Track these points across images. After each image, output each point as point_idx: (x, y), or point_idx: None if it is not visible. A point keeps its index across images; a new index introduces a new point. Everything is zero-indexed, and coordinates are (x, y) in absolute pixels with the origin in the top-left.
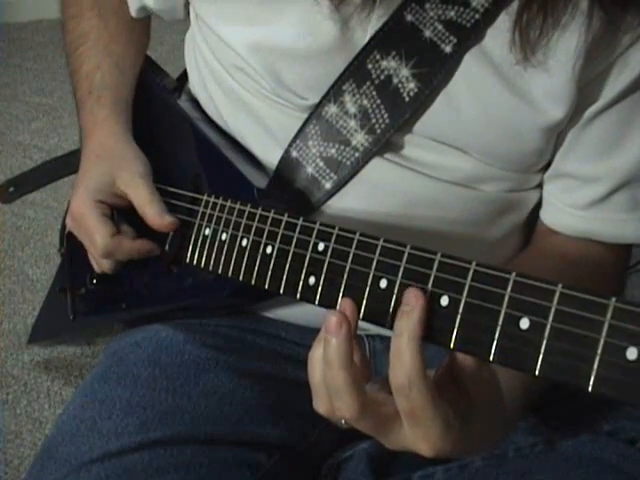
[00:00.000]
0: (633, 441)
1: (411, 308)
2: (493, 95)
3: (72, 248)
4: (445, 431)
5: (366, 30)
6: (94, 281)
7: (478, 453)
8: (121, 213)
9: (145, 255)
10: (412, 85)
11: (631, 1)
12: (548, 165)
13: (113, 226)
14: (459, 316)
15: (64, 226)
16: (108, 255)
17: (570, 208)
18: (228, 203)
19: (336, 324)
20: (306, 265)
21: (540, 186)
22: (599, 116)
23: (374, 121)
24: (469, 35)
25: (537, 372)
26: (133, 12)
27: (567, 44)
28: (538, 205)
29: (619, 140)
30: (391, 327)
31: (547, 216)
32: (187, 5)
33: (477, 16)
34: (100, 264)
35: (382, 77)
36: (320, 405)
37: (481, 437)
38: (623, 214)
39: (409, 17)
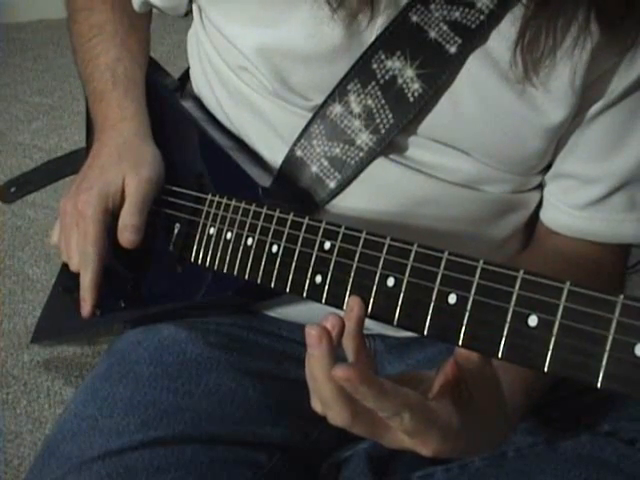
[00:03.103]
0: (633, 441)
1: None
2: (496, 96)
3: None
4: (444, 438)
5: (372, 30)
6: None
7: (478, 453)
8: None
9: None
10: (417, 85)
11: (628, 15)
12: (549, 166)
13: (105, 250)
14: (467, 314)
15: None
16: (82, 266)
17: (569, 208)
18: (233, 202)
19: (316, 338)
20: (312, 264)
21: (541, 187)
22: (599, 117)
23: (378, 121)
24: (474, 36)
25: (546, 369)
26: (136, 6)
27: (567, 61)
28: (540, 205)
29: (619, 141)
30: (398, 325)
31: (546, 216)
32: (190, 2)
33: (482, 17)
34: (72, 260)
35: (387, 77)
36: (317, 407)
37: (482, 437)
38: (621, 214)
39: (414, 18)
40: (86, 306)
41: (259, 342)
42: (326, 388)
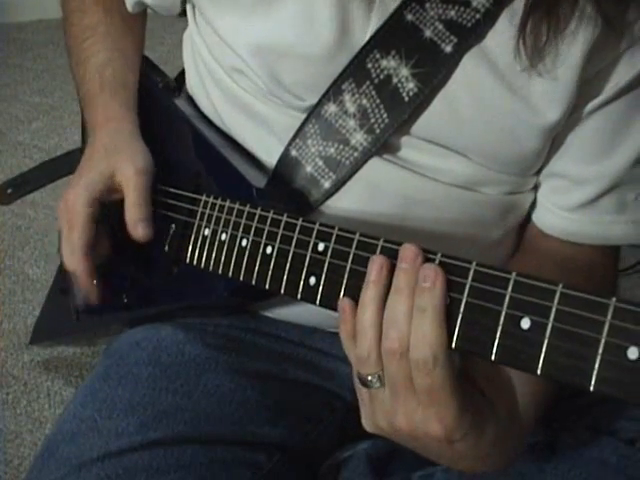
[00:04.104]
0: (633, 441)
1: (432, 283)
2: (492, 96)
3: None
4: (459, 414)
5: (366, 29)
6: (94, 282)
7: (488, 463)
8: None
9: (84, 295)
10: (412, 85)
11: (627, 8)
12: (544, 166)
13: (92, 238)
14: (460, 316)
15: None
16: (70, 257)
17: (559, 210)
18: (227, 203)
19: (414, 254)
20: (306, 265)
21: (536, 188)
22: (593, 115)
23: (373, 121)
24: (469, 35)
25: (539, 372)
26: (129, 6)
27: (577, 50)
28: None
29: (611, 142)
30: None
31: (538, 218)
32: (184, 1)
33: (478, 16)
34: (65, 255)
35: (382, 76)
36: (362, 345)
37: (496, 441)
38: (610, 216)
39: (409, 16)
40: (92, 297)
41: (257, 343)
42: (406, 302)
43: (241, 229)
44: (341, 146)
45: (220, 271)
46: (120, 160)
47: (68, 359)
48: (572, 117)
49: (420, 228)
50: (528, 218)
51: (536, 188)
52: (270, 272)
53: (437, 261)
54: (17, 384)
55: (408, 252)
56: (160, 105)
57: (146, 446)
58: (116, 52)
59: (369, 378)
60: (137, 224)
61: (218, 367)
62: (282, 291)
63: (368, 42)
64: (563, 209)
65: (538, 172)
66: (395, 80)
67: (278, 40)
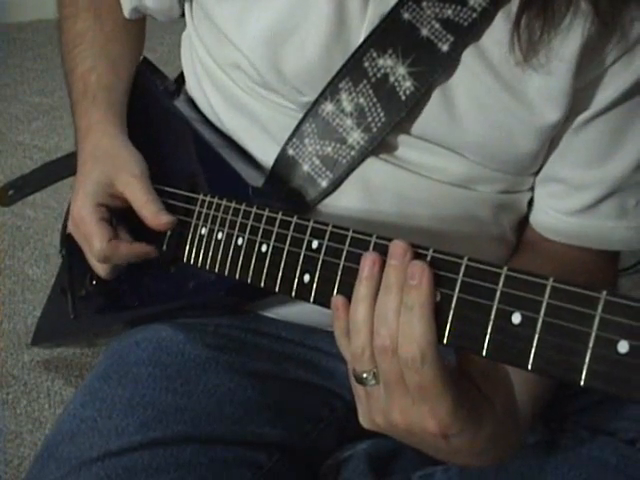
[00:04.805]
0: (633, 441)
1: (419, 281)
2: (489, 95)
3: (72, 249)
4: (453, 409)
5: (363, 28)
6: (93, 282)
7: (484, 459)
8: (120, 217)
9: (142, 258)
10: (408, 84)
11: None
12: (541, 168)
13: (111, 230)
14: (452, 312)
15: (65, 227)
16: (105, 259)
17: (557, 213)
18: (223, 202)
19: (403, 250)
20: (300, 263)
21: (534, 190)
22: (590, 123)
23: (370, 119)
24: (466, 34)
25: (530, 367)
26: (126, 13)
27: (570, 45)
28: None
29: (609, 149)
30: None
31: (534, 219)
32: (182, 4)
33: (474, 15)
34: (97, 269)
35: (378, 75)
36: (356, 342)
37: (493, 436)
38: (610, 221)
39: (406, 15)
40: (150, 252)
41: (257, 343)
42: (395, 299)
43: (237, 228)
44: (338, 145)
45: (217, 270)
46: (115, 168)
47: (68, 359)
48: (571, 122)
49: (417, 226)
50: (527, 218)
51: (533, 189)
52: (265, 270)
53: (429, 257)
54: (17, 384)
55: (397, 248)
56: (159, 106)
57: (146, 446)
58: (102, 57)
59: (364, 375)
60: (157, 215)
61: (218, 367)
62: (277, 289)
63: (365, 41)
64: (561, 213)
65: (536, 173)
66: (392, 79)
67: (278, 29)
